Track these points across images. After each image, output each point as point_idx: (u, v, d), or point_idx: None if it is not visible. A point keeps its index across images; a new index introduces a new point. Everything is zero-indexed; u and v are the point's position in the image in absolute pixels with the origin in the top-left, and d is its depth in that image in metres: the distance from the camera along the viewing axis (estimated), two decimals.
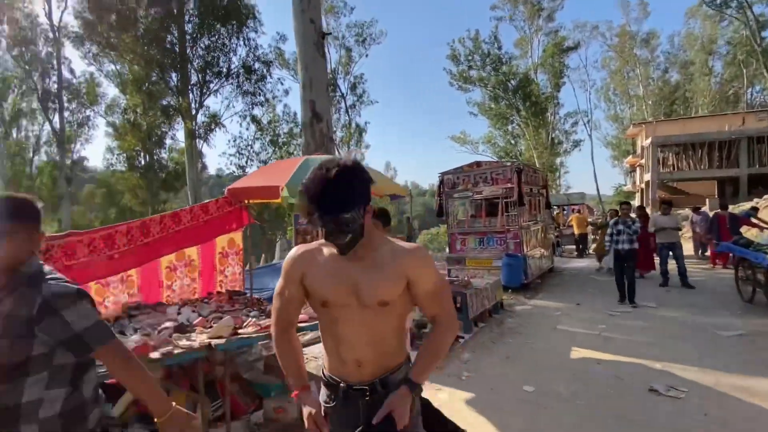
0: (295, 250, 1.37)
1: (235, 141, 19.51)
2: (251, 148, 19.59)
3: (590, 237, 12.50)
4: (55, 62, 20.66)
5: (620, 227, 6.27)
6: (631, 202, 26.65)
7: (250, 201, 4.68)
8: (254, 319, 2.80)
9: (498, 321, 5.68)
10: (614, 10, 41.22)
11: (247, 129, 20.32)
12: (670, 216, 7.94)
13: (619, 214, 6.70)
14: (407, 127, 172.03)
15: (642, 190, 26.76)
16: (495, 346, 4.70)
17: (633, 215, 8.75)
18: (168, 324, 2.66)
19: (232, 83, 18.18)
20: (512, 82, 33.11)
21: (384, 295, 1.23)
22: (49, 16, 19.70)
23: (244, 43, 17.73)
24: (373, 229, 1.30)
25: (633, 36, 38.27)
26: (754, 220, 9.44)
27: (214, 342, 2.48)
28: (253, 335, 2.63)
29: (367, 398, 1.24)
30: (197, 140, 17.75)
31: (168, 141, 22.88)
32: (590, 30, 38.53)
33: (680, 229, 8.13)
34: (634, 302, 6.14)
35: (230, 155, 19.20)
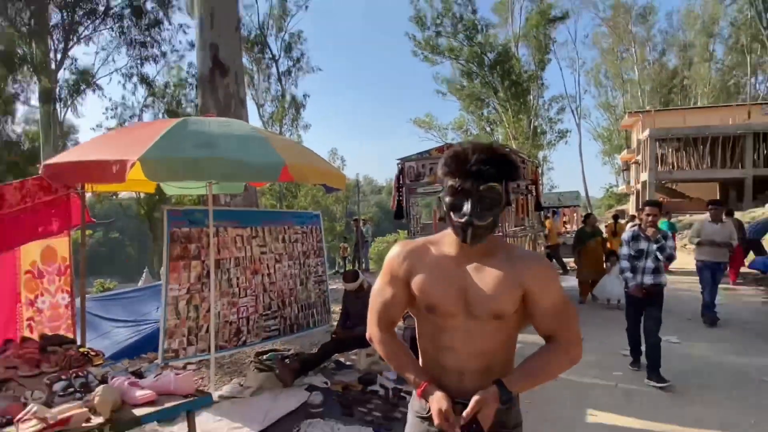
0: (401, 246, 1.49)
1: (115, 109, 17.55)
2: (139, 119, 17.77)
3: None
4: None
5: (643, 245, 4.57)
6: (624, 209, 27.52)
7: (92, 186, 3.63)
8: (37, 407, 1.80)
9: None
10: None
11: (134, 93, 18.48)
12: (724, 224, 6.72)
13: (637, 220, 5.71)
14: (360, 106, 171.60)
15: (637, 192, 28.09)
16: None
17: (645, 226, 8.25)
18: None
19: (111, 28, 16.32)
20: (489, 55, 33.58)
21: (498, 307, 1.32)
22: None
23: None
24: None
25: (628, 9, 40.52)
26: None
27: None
28: None
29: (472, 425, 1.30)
30: (58, 105, 15.72)
31: (22, 108, 20.36)
32: None
33: (732, 246, 6.88)
34: (661, 378, 4.36)
35: (108, 129, 17.25)
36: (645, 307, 4.62)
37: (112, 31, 16.64)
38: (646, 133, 24.48)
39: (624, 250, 4.75)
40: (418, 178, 7.23)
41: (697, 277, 6.95)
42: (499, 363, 1.39)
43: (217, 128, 3.45)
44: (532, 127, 34.67)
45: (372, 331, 1.54)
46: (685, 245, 15.90)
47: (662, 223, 10.45)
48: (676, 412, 3.85)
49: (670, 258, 4.57)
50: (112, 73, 18.09)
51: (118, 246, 47.79)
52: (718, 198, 23.73)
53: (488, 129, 36.62)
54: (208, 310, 4.22)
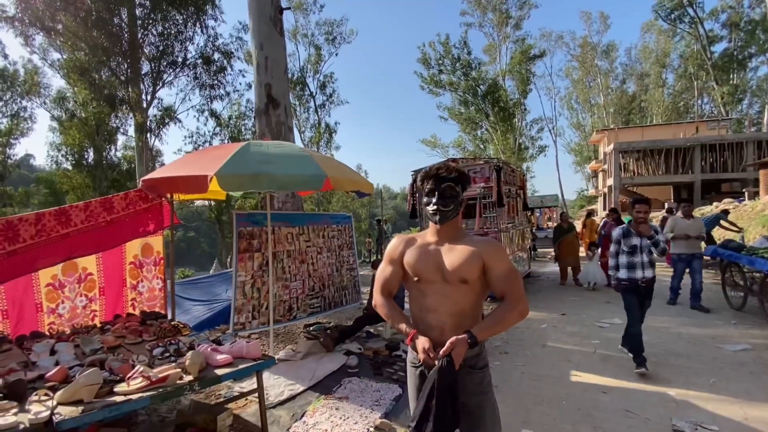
0: (397, 238, 1.68)
1: (191, 137, 17.89)
2: (210, 144, 18.05)
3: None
4: None
5: (635, 241, 3.75)
6: (594, 207, 26.81)
7: (179, 196, 3.68)
8: (142, 367, 1.82)
9: None
10: (578, 21, 43.11)
11: (206, 124, 18.81)
12: (694, 220, 6.13)
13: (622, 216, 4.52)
14: (379, 130, 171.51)
15: (604, 194, 27.34)
16: None
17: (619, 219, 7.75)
18: None
19: (188, 74, 16.66)
20: (481, 87, 33.15)
21: (464, 274, 1.47)
22: None
23: (202, 31, 16.30)
24: (459, 224, 1.60)
25: (594, 47, 39.53)
26: (724, 223, 9.27)
27: (60, 415, 1.51)
28: (134, 397, 1.67)
29: (446, 359, 1.39)
30: (149, 135, 16.09)
31: (121, 137, 20.95)
32: (555, 39, 39.49)
33: (704, 238, 6.37)
34: (643, 363, 3.66)
35: (187, 152, 17.60)
36: (646, 299, 3.89)
37: (188, 77, 17.01)
38: (611, 146, 23.81)
39: (613, 248, 3.91)
40: None
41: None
42: (468, 322, 1.50)
43: (273, 149, 3.46)
44: (517, 144, 34.03)
45: (376, 297, 1.66)
46: None
47: (626, 218, 10.15)
48: (650, 373, 3.69)
49: (664, 251, 3.81)
50: (188, 109, 18.41)
51: (193, 242, 48.73)
52: (671, 198, 23.00)
53: (482, 146, 36.09)
54: (268, 292, 4.24)
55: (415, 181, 7.34)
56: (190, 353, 1.95)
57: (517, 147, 33.95)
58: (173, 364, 1.98)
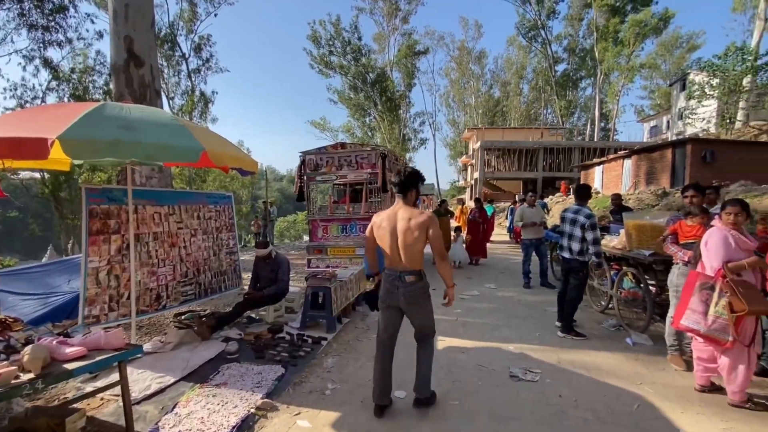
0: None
1: (14, 89, 14.01)
2: (43, 102, 14.46)
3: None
4: None
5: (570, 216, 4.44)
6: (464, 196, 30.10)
7: (3, 163, 2.97)
8: None
9: (362, 314, 5.24)
10: (458, 25, 47.64)
11: (36, 75, 14.95)
12: (536, 208, 7.10)
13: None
14: (264, 107, 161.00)
15: (471, 186, 31.13)
16: (361, 344, 4.20)
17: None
18: None
19: (9, 8, 12.86)
20: (370, 75, 34.00)
21: None
22: None
23: None
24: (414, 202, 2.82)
25: (469, 52, 44.00)
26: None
27: None
28: None
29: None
30: None
31: None
32: (438, 39, 42.71)
33: (545, 224, 7.26)
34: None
35: (7, 109, 13.72)
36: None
37: (11, 12, 13.09)
38: (478, 144, 27.15)
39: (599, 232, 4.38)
40: (316, 168, 7.13)
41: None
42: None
43: (138, 114, 3.01)
44: (401, 134, 36.10)
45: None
46: (500, 223, 18.14)
47: (487, 207, 11.81)
48: (493, 334, 4.47)
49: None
50: (11, 53, 14.27)
51: (17, 224, 38.85)
52: (521, 191, 27.50)
53: (369, 134, 37.19)
54: (129, 279, 3.75)
55: (303, 162, 7.23)
56: (29, 347, 1.66)
57: (402, 138, 36.03)
58: (5, 362, 1.66)
